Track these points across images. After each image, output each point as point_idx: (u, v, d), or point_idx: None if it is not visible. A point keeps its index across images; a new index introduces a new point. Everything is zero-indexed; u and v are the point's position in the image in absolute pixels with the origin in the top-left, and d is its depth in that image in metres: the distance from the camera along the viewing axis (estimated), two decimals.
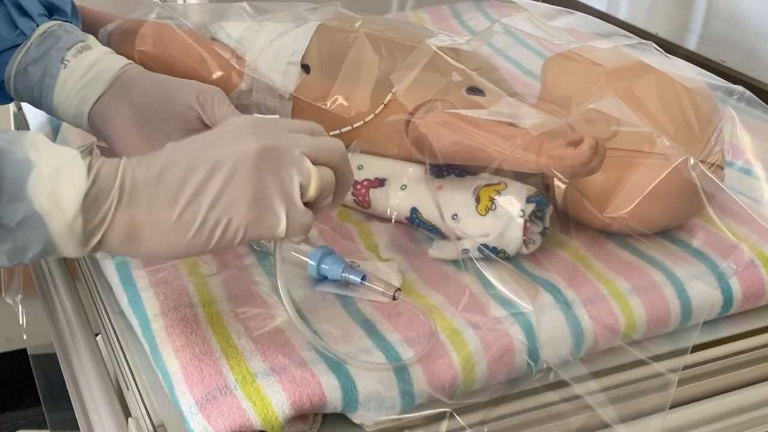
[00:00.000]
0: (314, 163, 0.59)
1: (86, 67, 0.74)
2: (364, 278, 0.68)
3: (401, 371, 0.62)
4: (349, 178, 0.63)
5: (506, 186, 0.72)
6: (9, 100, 0.80)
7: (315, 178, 0.58)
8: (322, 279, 0.71)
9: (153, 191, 0.56)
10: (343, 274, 0.69)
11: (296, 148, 0.58)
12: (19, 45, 0.76)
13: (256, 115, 0.62)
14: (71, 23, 0.80)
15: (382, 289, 0.68)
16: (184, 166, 0.56)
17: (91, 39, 0.77)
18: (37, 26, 0.77)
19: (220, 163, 0.56)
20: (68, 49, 0.75)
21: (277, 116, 0.63)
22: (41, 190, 0.54)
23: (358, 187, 0.79)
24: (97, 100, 0.73)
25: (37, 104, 0.77)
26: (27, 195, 0.53)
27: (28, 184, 0.53)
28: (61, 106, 0.75)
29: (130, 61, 0.76)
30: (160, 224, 0.56)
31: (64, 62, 0.74)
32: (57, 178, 0.54)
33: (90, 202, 0.54)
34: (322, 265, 0.70)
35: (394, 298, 0.67)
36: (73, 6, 0.82)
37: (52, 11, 0.79)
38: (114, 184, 0.55)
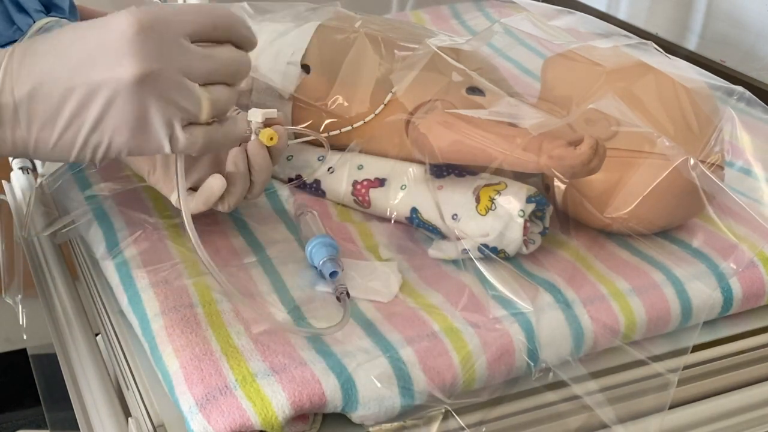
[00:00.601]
0: (208, 83, 0.57)
1: None
2: (332, 275, 0.69)
3: (401, 371, 0.62)
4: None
5: (506, 186, 0.72)
6: None
7: (206, 106, 0.57)
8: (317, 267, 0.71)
9: (31, 111, 0.55)
10: (320, 263, 0.70)
11: (183, 74, 0.56)
12: (16, 41, 0.76)
13: (148, 8, 0.56)
14: (69, 20, 0.80)
15: (335, 287, 0.68)
16: (62, 87, 0.54)
17: None
18: (34, 22, 0.77)
19: (99, 87, 0.54)
20: None
21: (170, 6, 0.58)
22: None
23: (358, 187, 0.79)
24: None
25: None
26: None
27: None
28: None
29: None
30: (42, 142, 0.56)
31: None
32: None
33: None
34: (312, 250, 0.71)
35: (338, 299, 0.67)
36: (71, 3, 0.82)
37: (49, 8, 0.79)
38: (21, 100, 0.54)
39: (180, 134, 0.57)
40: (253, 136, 0.71)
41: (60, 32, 0.57)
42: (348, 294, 0.67)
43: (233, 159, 0.71)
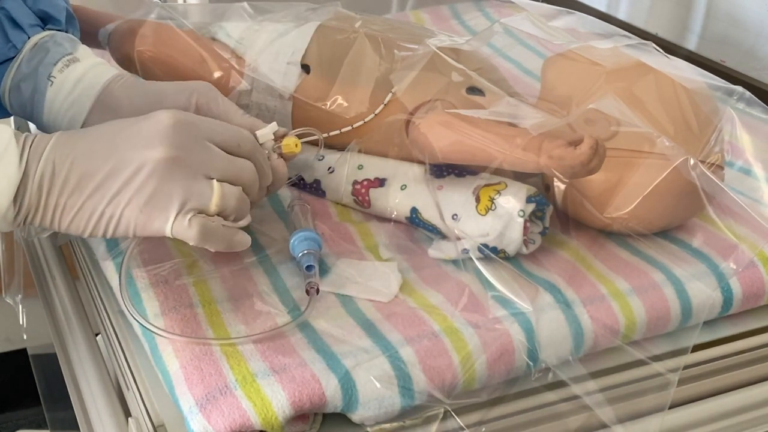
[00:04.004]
0: (223, 180, 0.63)
1: (72, 84, 0.73)
2: (308, 268, 0.69)
3: (401, 371, 0.62)
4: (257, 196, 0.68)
5: (506, 186, 0.72)
6: (8, 114, 0.79)
7: (216, 198, 0.62)
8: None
9: (67, 178, 0.61)
10: (299, 255, 0.70)
11: (201, 170, 0.62)
12: (13, 58, 0.75)
13: (186, 113, 0.65)
14: (66, 32, 0.79)
15: (308, 281, 0.68)
16: (99, 159, 0.61)
17: (81, 50, 0.76)
18: (29, 38, 0.76)
19: (128, 162, 0.61)
20: (55, 64, 0.74)
21: (204, 119, 0.67)
22: None
23: (358, 187, 0.79)
24: (84, 122, 0.73)
25: (30, 120, 0.77)
26: None
27: None
28: (51, 126, 0.74)
29: (117, 73, 0.75)
30: (68, 208, 0.61)
31: (51, 78, 0.73)
32: None
33: (20, 193, 0.60)
34: (294, 243, 0.71)
35: (307, 292, 0.67)
36: (69, 13, 0.80)
37: (46, 20, 0.78)
38: (41, 172, 0.60)
39: (183, 217, 0.61)
40: (273, 156, 0.71)
41: (108, 122, 0.65)
42: (318, 290, 0.67)
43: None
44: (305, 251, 0.70)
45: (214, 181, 0.63)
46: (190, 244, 0.63)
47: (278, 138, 0.71)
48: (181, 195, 0.61)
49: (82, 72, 0.74)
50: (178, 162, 0.61)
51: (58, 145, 0.61)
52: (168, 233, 0.62)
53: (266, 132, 0.71)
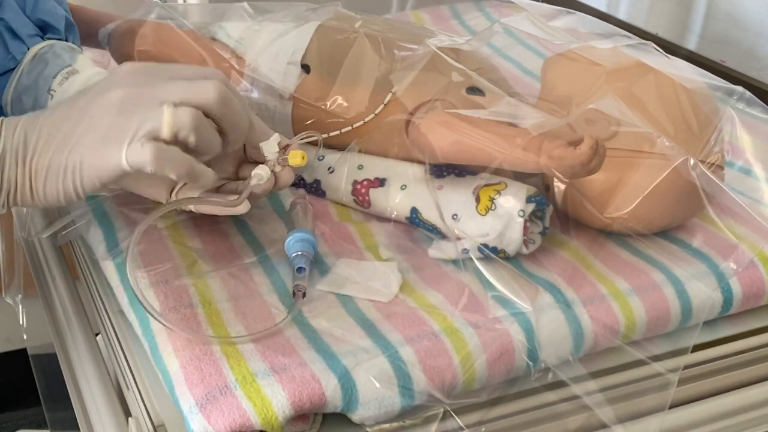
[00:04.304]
0: (182, 104, 0.61)
1: None
2: (299, 270, 0.69)
3: (401, 371, 0.62)
4: (236, 119, 0.65)
5: (506, 186, 0.72)
6: None
7: (167, 119, 0.60)
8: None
9: (36, 141, 0.62)
10: (293, 256, 0.70)
11: (156, 99, 0.61)
12: (13, 69, 0.75)
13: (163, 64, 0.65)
14: (66, 39, 0.79)
15: (296, 284, 0.68)
16: (61, 118, 0.62)
17: (79, 60, 0.76)
18: (28, 49, 0.76)
19: (84, 112, 0.62)
20: (54, 77, 0.74)
21: (169, 64, 0.67)
22: None
23: (358, 186, 0.79)
24: None
25: None
26: None
27: None
28: None
29: None
30: (39, 170, 0.62)
31: (51, 92, 0.73)
32: None
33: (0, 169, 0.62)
34: (289, 243, 0.71)
35: (293, 294, 0.67)
36: (68, 21, 0.80)
37: (45, 30, 0.78)
38: (16, 144, 0.62)
39: (136, 143, 0.60)
40: (278, 167, 0.70)
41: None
42: (304, 294, 0.67)
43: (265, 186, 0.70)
44: (299, 252, 0.70)
45: (166, 107, 0.60)
46: (148, 170, 0.60)
47: (281, 149, 0.71)
48: (135, 123, 0.60)
49: (81, 84, 0.74)
50: (133, 96, 0.61)
51: (29, 119, 0.63)
52: (124, 163, 0.60)
53: (271, 143, 0.71)
